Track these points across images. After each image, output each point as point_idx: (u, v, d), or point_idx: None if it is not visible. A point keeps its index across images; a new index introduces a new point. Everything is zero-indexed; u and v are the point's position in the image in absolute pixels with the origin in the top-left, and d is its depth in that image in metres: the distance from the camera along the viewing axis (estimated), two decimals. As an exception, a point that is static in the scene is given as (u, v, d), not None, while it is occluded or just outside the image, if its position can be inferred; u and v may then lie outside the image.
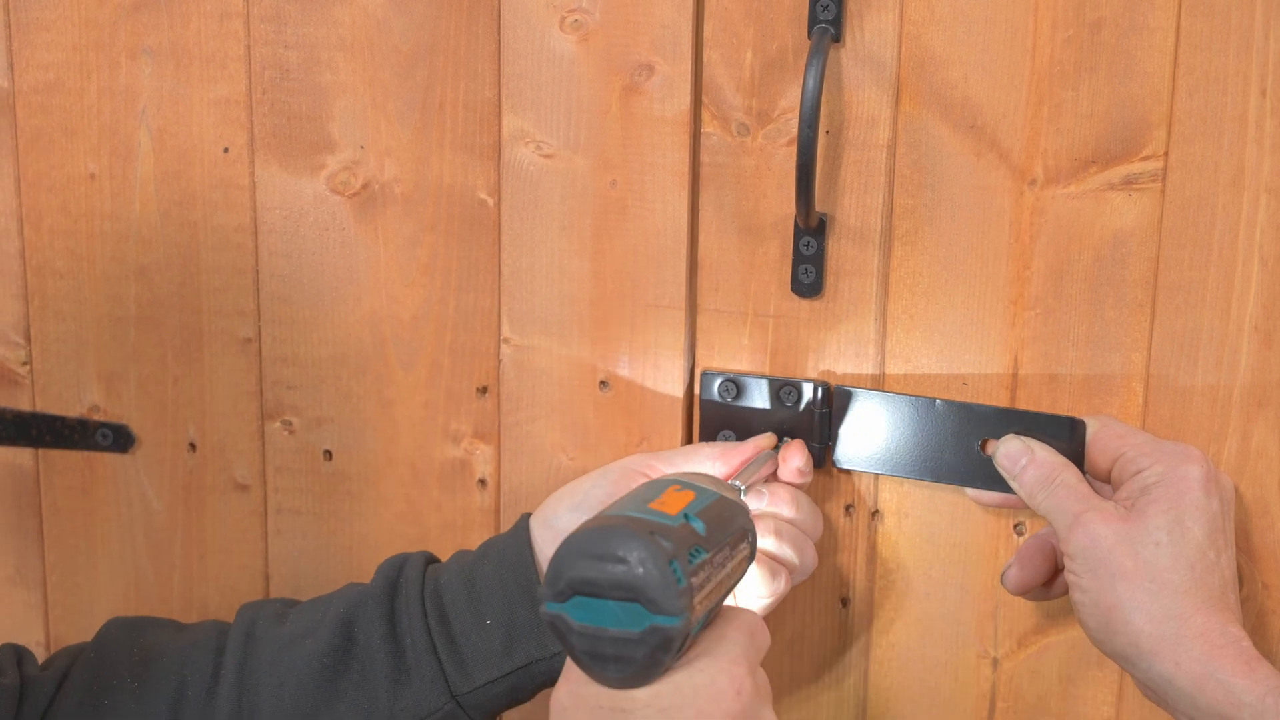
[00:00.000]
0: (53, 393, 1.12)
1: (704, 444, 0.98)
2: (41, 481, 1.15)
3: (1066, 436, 0.92)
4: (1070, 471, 0.91)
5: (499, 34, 0.99)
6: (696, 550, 0.78)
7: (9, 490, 1.15)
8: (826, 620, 1.03)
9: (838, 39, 0.93)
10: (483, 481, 1.06)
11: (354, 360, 1.07)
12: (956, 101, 0.93)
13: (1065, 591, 0.93)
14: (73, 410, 1.12)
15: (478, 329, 1.04)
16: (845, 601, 1.02)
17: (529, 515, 0.96)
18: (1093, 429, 0.92)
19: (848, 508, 1.01)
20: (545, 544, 0.93)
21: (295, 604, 0.98)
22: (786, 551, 0.93)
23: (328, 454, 1.09)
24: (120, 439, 1.12)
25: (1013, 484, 0.92)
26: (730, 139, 0.97)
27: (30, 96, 1.08)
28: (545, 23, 0.98)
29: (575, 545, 0.77)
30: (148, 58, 1.06)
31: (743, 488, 0.89)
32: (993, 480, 0.94)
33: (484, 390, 1.05)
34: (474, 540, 1.07)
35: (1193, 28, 0.89)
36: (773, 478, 0.96)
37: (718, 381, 0.99)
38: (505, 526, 1.06)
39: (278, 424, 1.09)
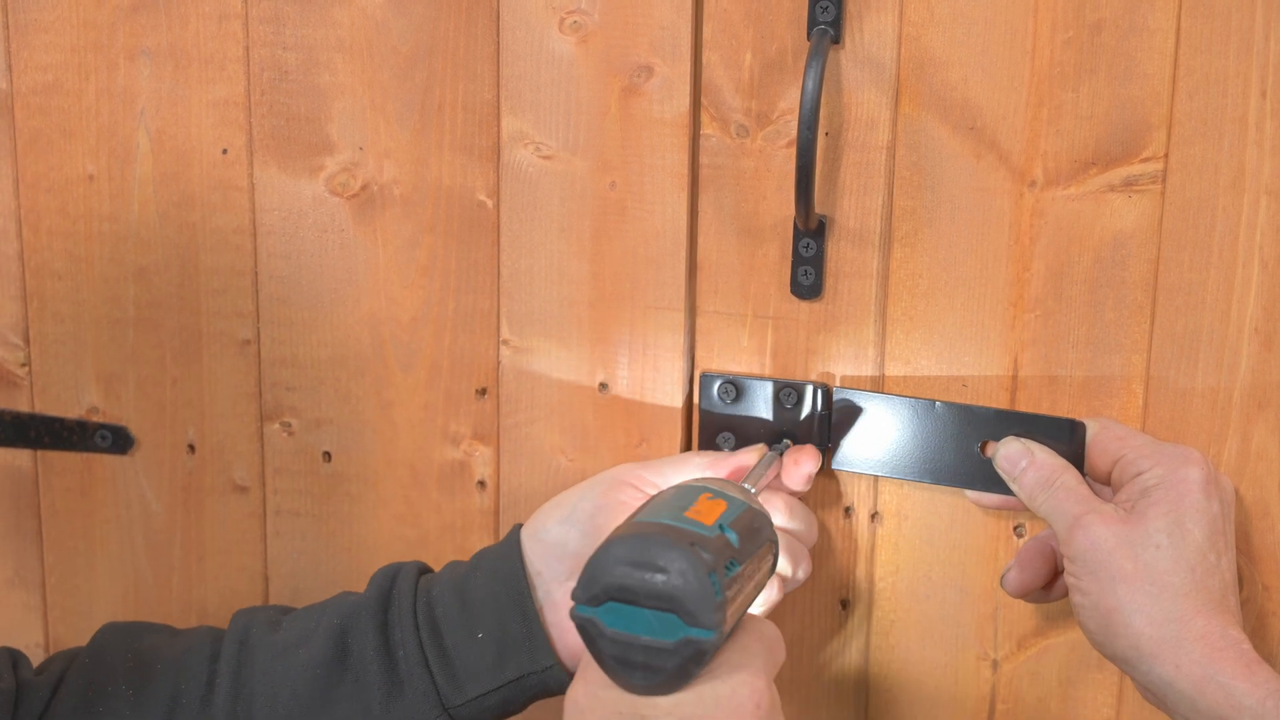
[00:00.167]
0: (51, 394, 1.12)
1: (693, 453, 0.98)
2: (40, 483, 1.15)
3: (1066, 438, 0.92)
4: (1070, 474, 0.91)
5: (498, 35, 0.99)
6: (732, 563, 0.78)
7: (8, 492, 1.15)
8: (826, 622, 1.03)
9: (837, 40, 0.93)
10: (482, 483, 1.06)
11: (353, 362, 1.07)
12: (956, 103, 0.93)
13: (1065, 594, 0.93)
14: (71, 412, 1.12)
15: (477, 331, 1.04)
16: (845, 603, 1.02)
17: (520, 526, 0.96)
18: (1092, 431, 0.92)
19: (847, 510, 1.01)
20: (535, 557, 0.93)
21: (288, 611, 0.98)
22: (781, 562, 0.93)
23: (327, 455, 1.09)
24: (119, 440, 1.12)
25: (1012, 486, 0.92)
26: (729, 141, 0.97)
27: (29, 98, 1.08)
28: (544, 24, 0.98)
29: (614, 551, 0.76)
30: (146, 59, 1.05)
31: (753, 490, 0.88)
32: (992, 482, 0.94)
33: (483, 392, 1.05)
34: (473, 542, 1.07)
35: (1193, 29, 0.89)
36: (775, 482, 0.96)
37: (717, 383, 0.99)
38: (505, 528, 1.06)
39: (277, 425, 1.09)
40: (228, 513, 1.12)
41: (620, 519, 0.86)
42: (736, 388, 0.99)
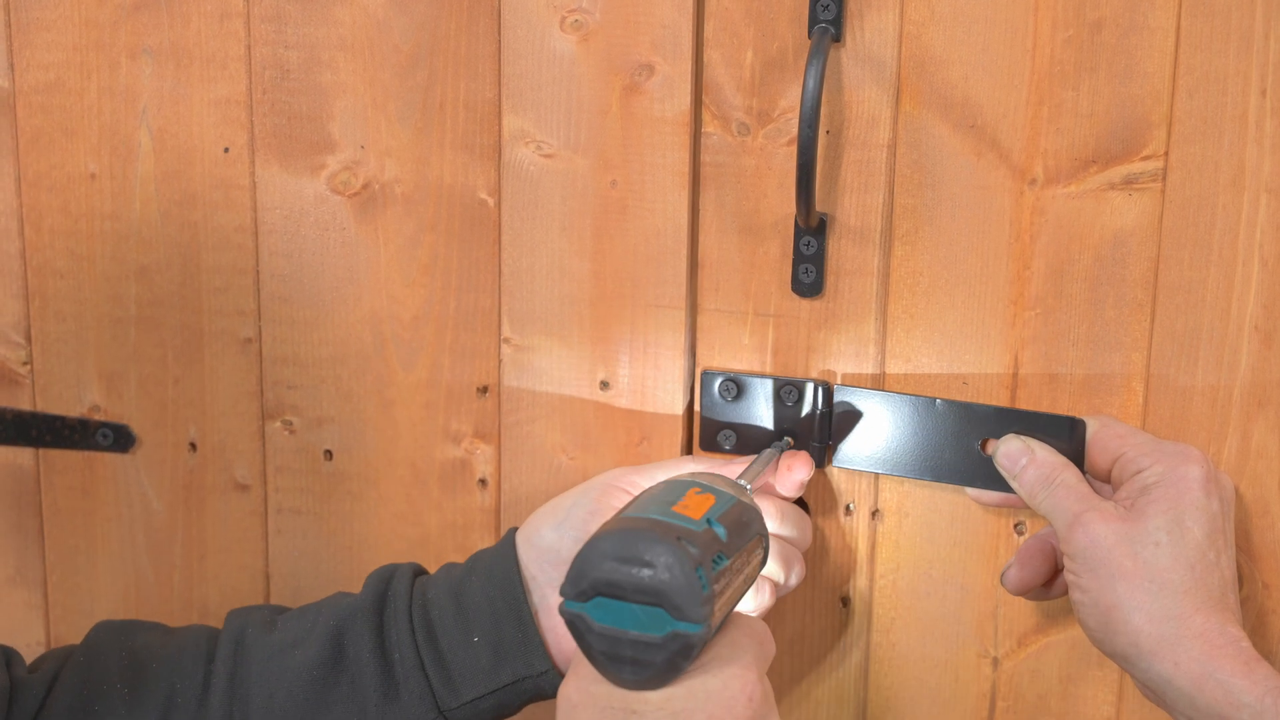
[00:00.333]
0: (53, 393, 1.12)
1: (687, 458, 0.98)
2: (42, 481, 1.15)
3: (1066, 436, 0.92)
4: (1070, 471, 0.91)
5: (499, 34, 0.99)
6: (719, 557, 0.78)
7: (9, 490, 1.15)
8: (827, 619, 1.03)
9: (838, 39, 0.93)
10: (483, 481, 1.06)
11: (354, 360, 1.07)
12: (957, 101, 0.93)
13: (1065, 591, 0.93)
14: (73, 410, 1.12)
15: (478, 329, 1.04)
16: (845, 601, 1.02)
17: (515, 530, 0.96)
18: (1093, 429, 0.92)
19: (848, 507, 1.01)
20: (530, 562, 0.94)
21: (283, 611, 0.98)
22: (772, 567, 0.93)
23: (328, 454, 1.09)
24: (121, 439, 1.12)
25: (1013, 484, 0.92)
26: (731, 139, 0.97)
27: (31, 96, 1.08)
28: (545, 23, 0.98)
29: (601, 546, 0.77)
30: (148, 58, 1.06)
31: (748, 486, 0.88)
32: (993, 480, 0.94)
33: (484, 390, 1.05)
34: (474, 540, 1.07)
35: (1193, 28, 0.89)
36: (767, 484, 0.96)
37: (718, 381, 0.99)
38: (505, 526, 1.06)
39: (278, 424, 1.09)
40: (229, 511, 1.12)
41: None
42: (737, 386, 0.99)
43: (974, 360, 0.96)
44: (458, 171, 1.02)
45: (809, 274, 0.97)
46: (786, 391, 0.98)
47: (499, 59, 0.99)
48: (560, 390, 1.03)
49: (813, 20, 0.93)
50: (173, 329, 1.09)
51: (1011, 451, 0.92)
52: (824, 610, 1.03)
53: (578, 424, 1.03)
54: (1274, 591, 0.94)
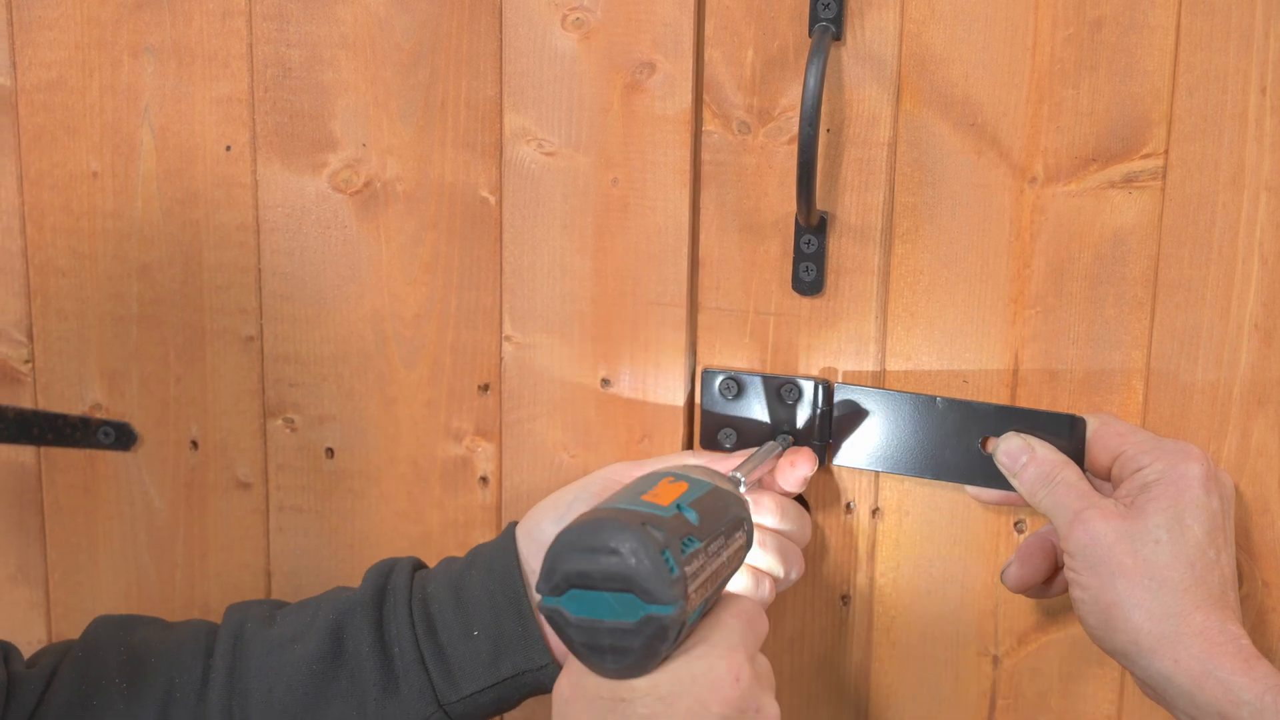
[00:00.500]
0: (55, 391, 1.12)
1: (688, 453, 0.98)
2: (43, 479, 1.15)
3: (1067, 434, 0.92)
4: (1070, 469, 0.91)
5: (500, 32, 0.99)
6: (689, 540, 0.78)
7: (11, 488, 1.16)
8: (827, 618, 1.03)
9: (838, 37, 0.93)
10: (484, 479, 1.06)
11: (356, 358, 1.07)
12: (957, 99, 0.93)
13: (1065, 589, 0.93)
14: (75, 408, 1.12)
15: (479, 327, 1.04)
16: (846, 599, 1.02)
17: (516, 524, 0.96)
18: (1093, 427, 0.92)
19: (848, 506, 1.01)
20: (530, 556, 0.94)
21: (282, 605, 0.98)
22: (771, 562, 0.94)
23: (330, 452, 1.09)
24: (122, 437, 1.12)
25: (1013, 481, 0.92)
26: (731, 137, 0.97)
27: (33, 95, 1.08)
28: (547, 21, 0.98)
29: (568, 539, 0.77)
30: (150, 56, 1.06)
31: (743, 479, 0.89)
32: (993, 478, 0.94)
33: (486, 388, 1.05)
34: (476, 538, 1.07)
35: (1193, 26, 0.89)
36: (768, 479, 0.96)
37: (719, 379, 0.99)
38: (506, 524, 1.06)
39: (280, 422, 1.09)
40: (230, 509, 1.12)
41: None
42: (738, 384, 0.99)
43: (974, 358, 0.96)
44: (459, 169, 1.02)
45: (809, 272, 0.97)
46: (787, 389, 0.98)
47: (500, 57, 1.00)
48: (561, 388, 1.03)
49: (813, 18, 0.93)
50: (174, 327, 1.10)
51: (1012, 449, 0.92)
52: (824, 608, 1.03)
53: (579, 422, 1.03)
54: (1274, 589, 0.94)
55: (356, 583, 1.01)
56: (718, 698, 0.77)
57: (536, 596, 0.92)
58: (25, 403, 1.13)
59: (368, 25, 1.01)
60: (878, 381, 0.98)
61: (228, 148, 1.06)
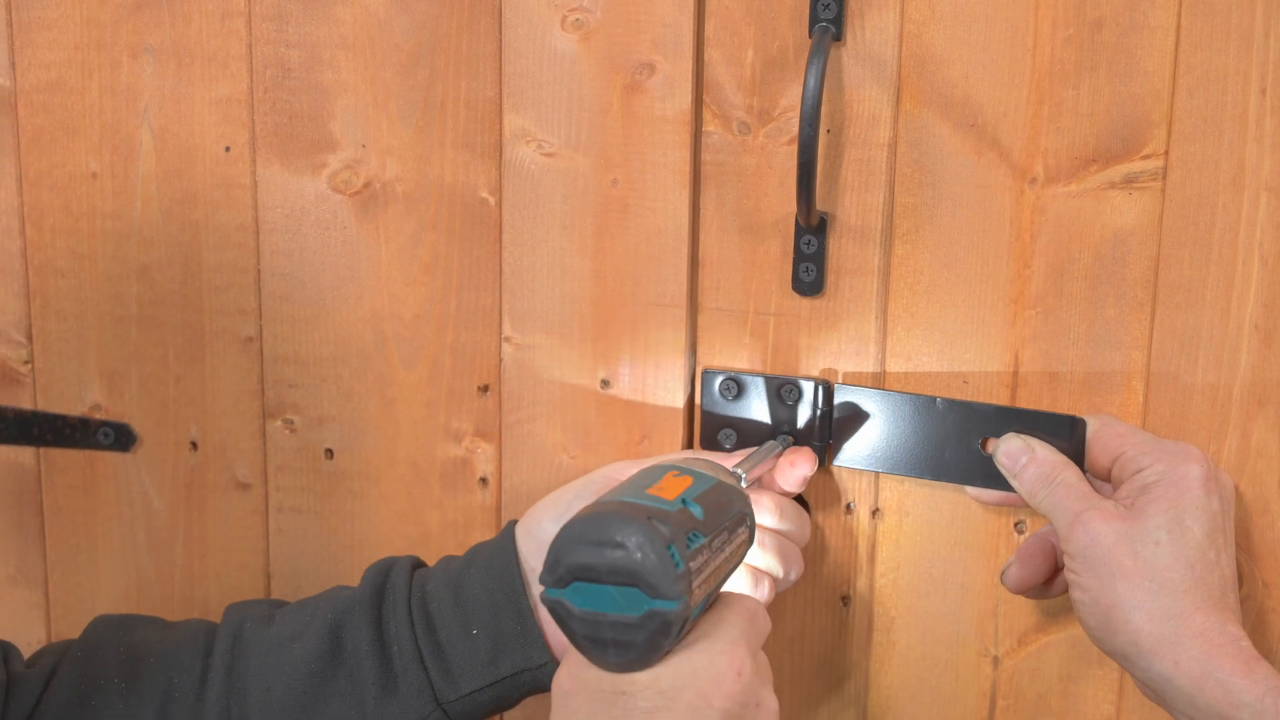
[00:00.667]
0: (54, 392, 1.12)
1: (690, 452, 0.98)
2: (43, 480, 1.15)
3: (1067, 435, 0.92)
4: (1070, 470, 0.91)
5: (500, 33, 0.99)
6: (694, 535, 0.78)
7: (10, 489, 1.16)
8: (827, 618, 1.03)
9: (839, 38, 0.93)
10: (484, 480, 1.06)
11: (355, 359, 1.07)
12: (957, 100, 0.93)
13: (1065, 590, 0.93)
14: (74, 409, 1.12)
15: (479, 327, 1.04)
16: (846, 600, 1.02)
17: (515, 523, 0.96)
18: (1093, 427, 0.92)
19: (848, 506, 1.01)
20: (530, 554, 0.94)
21: (281, 605, 0.98)
22: (770, 561, 0.94)
23: (329, 453, 1.09)
24: (122, 438, 1.12)
25: (1013, 482, 0.92)
26: (731, 138, 0.97)
27: (32, 95, 1.08)
28: (546, 22, 0.98)
29: (573, 531, 0.77)
30: (149, 57, 1.06)
31: (744, 475, 0.89)
32: (993, 478, 0.94)
33: (485, 389, 1.05)
34: (475, 539, 1.07)
35: (1193, 27, 0.89)
36: (767, 479, 0.96)
37: (718, 380, 0.99)
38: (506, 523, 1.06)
39: (279, 423, 1.09)
40: (230, 510, 1.12)
41: None
42: (738, 384, 0.99)
43: (974, 359, 0.96)
44: (459, 170, 1.02)
45: (809, 273, 0.97)
46: (787, 390, 0.98)
47: (500, 58, 1.00)
48: (561, 389, 1.03)
49: (813, 19, 0.93)
50: (174, 328, 1.09)
51: (1012, 450, 0.92)
52: (824, 609, 1.03)
53: (578, 422, 1.03)
54: (1274, 590, 0.94)
55: (356, 584, 1.01)
56: (719, 692, 0.77)
57: (536, 595, 0.93)
58: (25, 403, 1.13)
59: (367, 26, 1.01)
60: (878, 382, 0.98)
61: (227, 148, 1.06)
